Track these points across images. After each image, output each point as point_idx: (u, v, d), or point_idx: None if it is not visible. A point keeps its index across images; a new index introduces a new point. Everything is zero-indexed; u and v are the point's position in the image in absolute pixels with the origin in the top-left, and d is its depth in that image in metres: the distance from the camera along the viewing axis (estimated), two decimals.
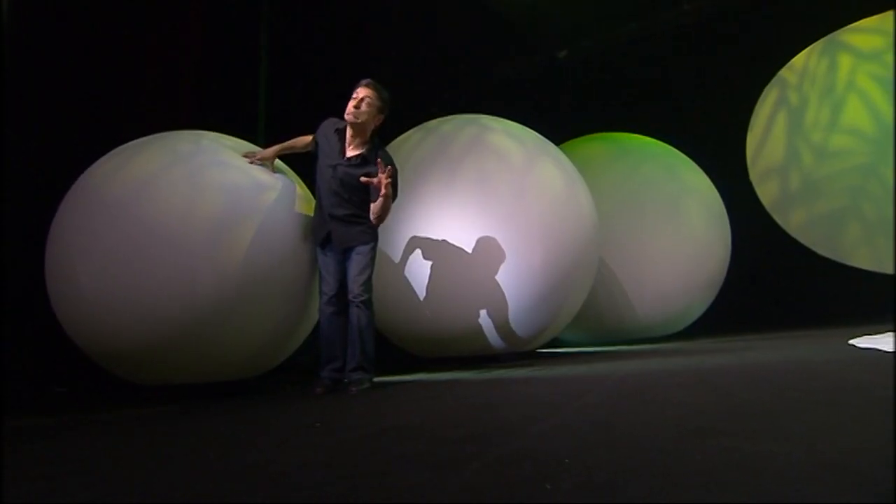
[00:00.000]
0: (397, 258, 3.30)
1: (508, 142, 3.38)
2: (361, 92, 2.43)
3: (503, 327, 3.23)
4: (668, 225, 4.45)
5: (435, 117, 3.81)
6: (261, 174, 2.53)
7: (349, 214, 2.43)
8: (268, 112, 4.95)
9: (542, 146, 3.49)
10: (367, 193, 2.43)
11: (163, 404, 2.31)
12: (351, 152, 2.48)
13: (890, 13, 4.78)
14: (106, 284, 2.22)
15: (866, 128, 4.68)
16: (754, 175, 5.60)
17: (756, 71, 5.49)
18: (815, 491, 0.67)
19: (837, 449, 0.86)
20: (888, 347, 2.36)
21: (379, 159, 2.36)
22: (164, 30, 3.90)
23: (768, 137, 5.44)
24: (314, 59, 5.12)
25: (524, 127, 3.62)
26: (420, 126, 3.75)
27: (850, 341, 2.79)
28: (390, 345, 3.61)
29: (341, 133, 2.49)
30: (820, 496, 0.66)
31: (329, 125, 2.55)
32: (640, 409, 1.36)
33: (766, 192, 5.49)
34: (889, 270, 4.83)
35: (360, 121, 2.41)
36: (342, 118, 2.49)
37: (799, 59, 5.23)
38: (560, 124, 5.21)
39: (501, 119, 3.63)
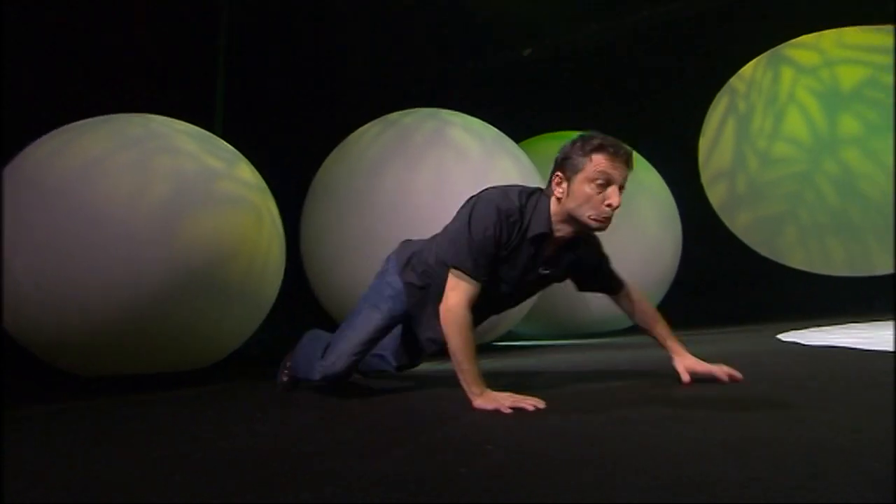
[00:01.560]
0: (353, 251, 3.31)
1: (468, 137, 3.43)
2: (618, 174, 1.39)
3: None
4: (622, 222, 4.58)
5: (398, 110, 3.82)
6: (214, 161, 2.48)
7: None
8: (227, 96, 4.83)
9: (501, 142, 3.56)
10: None
11: (106, 396, 2.26)
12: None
13: (827, 32, 5.09)
14: (45, 274, 2.15)
15: (804, 138, 4.97)
16: (705, 177, 5.86)
17: (712, 77, 5.73)
18: (711, 469, 0.75)
19: (744, 433, 0.95)
20: (808, 342, 2.55)
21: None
22: (117, 3, 3.74)
23: (718, 142, 5.70)
24: (275, 44, 5.01)
25: (484, 123, 3.68)
26: (380, 119, 3.76)
27: (778, 336, 3.00)
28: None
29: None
30: (718, 474, 0.73)
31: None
32: (574, 400, 1.44)
33: (716, 195, 5.76)
34: (821, 271, 5.17)
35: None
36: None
37: (747, 69, 5.50)
38: (522, 121, 5.30)
39: (462, 114, 3.68)
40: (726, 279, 5.80)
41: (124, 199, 2.21)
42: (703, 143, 5.87)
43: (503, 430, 1.11)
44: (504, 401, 1.30)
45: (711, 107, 5.76)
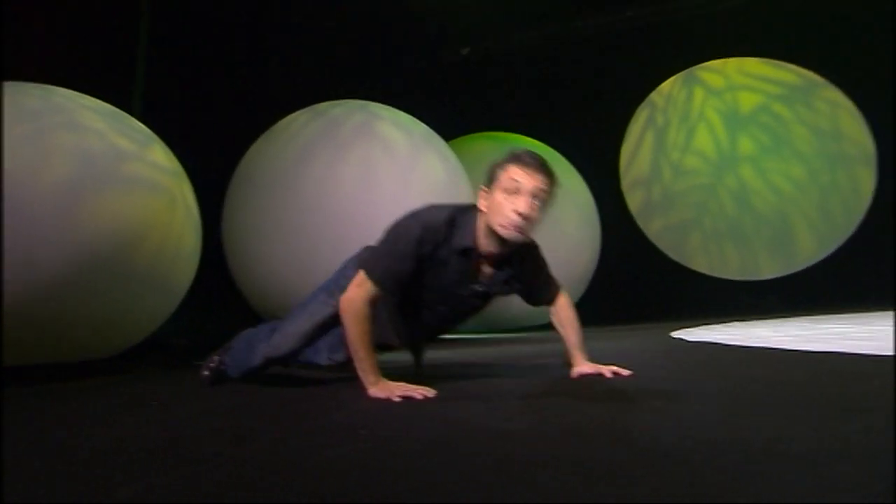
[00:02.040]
0: (275, 240, 3.27)
1: (396, 131, 3.48)
2: (528, 182, 1.42)
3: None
4: (543, 223, 4.85)
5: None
6: (124, 142, 2.37)
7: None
8: (149, 77, 4.56)
9: (430, 139, 3.64)
10: None
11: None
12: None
13: (731, 60, 5.59)
14: None
15: (710, 153, 5.45)
16: (625, 184, 6.27)
17: (636, 90, 6.11)
18: (557, 452, 0.86)
19: (581, 418, 1.08)
20: (693, 338, 2.84)
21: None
22: None
23: (638, 152, 6.12)
24: (201, 22, 4.79)
25: (414, 118, 3.74)
26: (309, 108, 3.72)
27: (671, 333, 3.30)
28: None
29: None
30: (570, 455, 0.84)
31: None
32: (460, 389, 1.55)
33: (633, 201, 6.18)
34: (719, 275, 5.69)
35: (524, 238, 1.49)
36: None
37: (666, 86, 5.92)
38: (454, 120, 5.41)
39: (391, 108, 3.71)
40: (638, 280, 6.22)
41: (20, 176, 2.07)
42: (625, 152, 6.27)
43: (387, 417, 1.18)
44: (395, 389, 1.36)
45: (633, 118, 6.17)
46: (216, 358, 1.83)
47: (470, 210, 1.51)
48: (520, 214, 1.39)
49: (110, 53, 4.21)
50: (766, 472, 0.68)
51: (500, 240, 1.45)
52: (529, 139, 5.43)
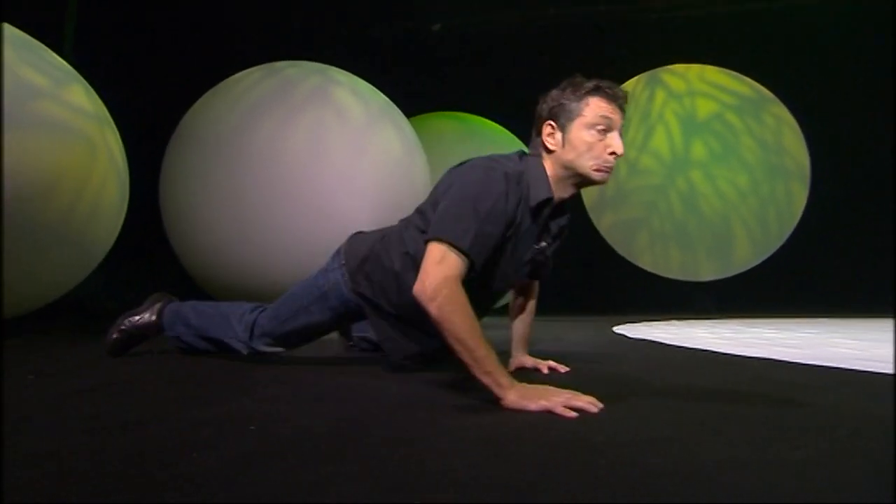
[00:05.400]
0: (216, 202, 3.06)
1: (352, 99, 3.32)
2: (618, 118, 1.24)
3: None
4: None
5: None
6: (36, 77, 2.10)
7: None
8: (85, 6, 4.14)
9: (388, 111, 3.49)
10: None
11: None
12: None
13: (694, 66, 5.72)
14: None
15: (665, 154, 5.58)
16: None
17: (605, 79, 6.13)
18: (483, 454, 0.80)
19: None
20: (634, 335, 2.89)
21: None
22: None
23: None
24: None
25: (374, 88, 3.57)
26: (263, 66, 3.48)
27: (614, 328, 3.37)
28: (202, 294, 3.37)
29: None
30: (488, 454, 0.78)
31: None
32: (359, 383, 1.47)
33: (588, 194, 6.27)
34: (662, 274, 5.89)
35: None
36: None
37: (630, 84, 5.98)
38: (420, 95, 5.25)
39: (351, 75, 3.53)
40: (587, 273, 6.35)
41: None
42: None
43: (298, 409, 1.01)
44: (553, 396, 0.96)
45: None
46: (129, 321, 1.62)
47: (528, 157, 1.28)
48: (617, 155, 1.20)
49: None
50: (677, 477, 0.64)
51: (575, 186, 1.26)
52: (491, 123, 5.37)
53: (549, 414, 0.92)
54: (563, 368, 1.49)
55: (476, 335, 1.01)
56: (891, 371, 1.51)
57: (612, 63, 6.07)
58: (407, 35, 6.33)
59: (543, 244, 1.34)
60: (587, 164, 1.21)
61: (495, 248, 1.19)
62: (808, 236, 5.57)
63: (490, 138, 5.13)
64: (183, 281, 3.53)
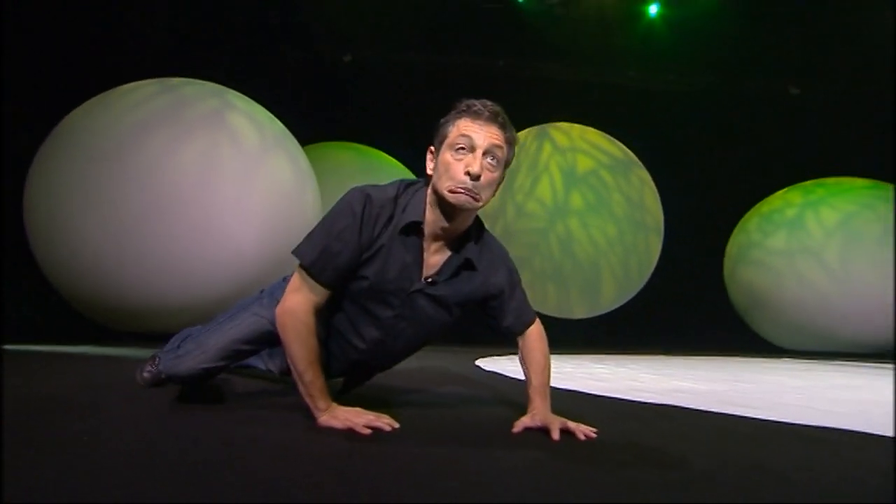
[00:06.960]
0: (104, 221, 2.94)
1: (248, 125, 3.38)
2: (482, 136, 1.17)
3: (202, 308, 3.19)
4: None
5: None
6: None
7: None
8: None
9: (283, 140, 3.59)
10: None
11: None
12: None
13: (577, 126, 6.48)
14: None
15: (548, 201, 6.20)
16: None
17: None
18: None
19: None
20: (489, 368, 3.17)
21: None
22: None
23: None
24: None
25: (271, 115, 3.66)
26: (158, 79, 3.44)
27: (476, 361, 3.63)
28: (80, 316, 3.18)
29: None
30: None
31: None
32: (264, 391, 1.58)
33: None
34: (538, 310, 6.41)
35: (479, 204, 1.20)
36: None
37: (522, 134, 6.60)
38: (321, 125, 5.37)
39: (250, 100, 3.60)
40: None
41: None
42: None
43: (146, 426, 1.12)
44: (354, 418, 1.09)
45: None
46: (159, 358, 1.51)
47: (420, 184, 1.26)
48: (471, 175, 1.12)
49: None
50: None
51: (450, 211, 1.17)
52: (388, 156, 5.62)
53: (351, 431, 1.08)
54: (589, 432, 1.18)
55: (307, 362, 1.12)
56: (658, 402, 1.87)
57: (507, 112, 6.65)
58: (317, 61, 6.45)
59: (432, 280, 1.24)
60: (444, 186, 1.15)
61: (351, 269, 1.18)
62: (661, 283, 6.42)
63: (386, 171, 5.36)
64: (48, 294, 3.29)
